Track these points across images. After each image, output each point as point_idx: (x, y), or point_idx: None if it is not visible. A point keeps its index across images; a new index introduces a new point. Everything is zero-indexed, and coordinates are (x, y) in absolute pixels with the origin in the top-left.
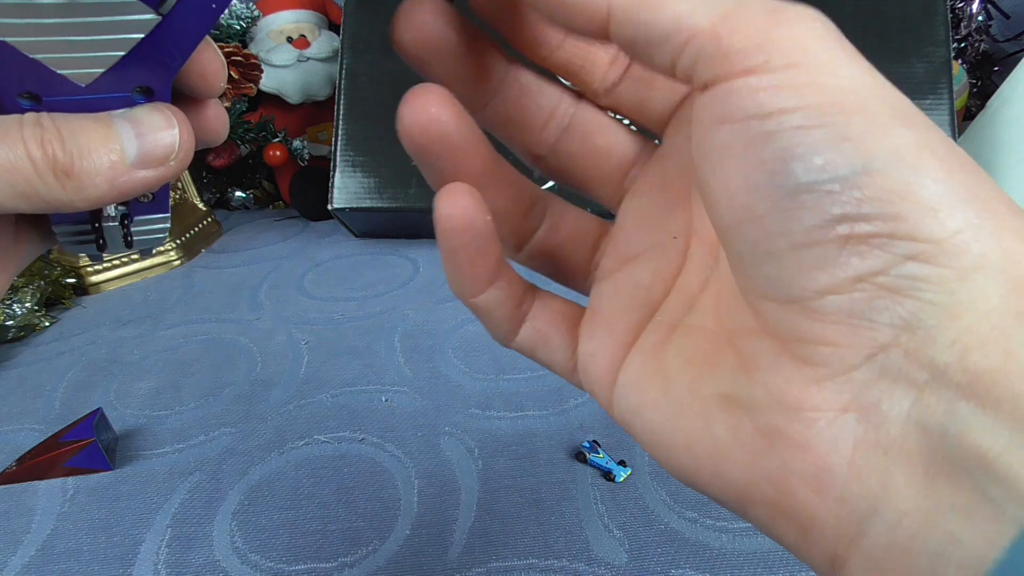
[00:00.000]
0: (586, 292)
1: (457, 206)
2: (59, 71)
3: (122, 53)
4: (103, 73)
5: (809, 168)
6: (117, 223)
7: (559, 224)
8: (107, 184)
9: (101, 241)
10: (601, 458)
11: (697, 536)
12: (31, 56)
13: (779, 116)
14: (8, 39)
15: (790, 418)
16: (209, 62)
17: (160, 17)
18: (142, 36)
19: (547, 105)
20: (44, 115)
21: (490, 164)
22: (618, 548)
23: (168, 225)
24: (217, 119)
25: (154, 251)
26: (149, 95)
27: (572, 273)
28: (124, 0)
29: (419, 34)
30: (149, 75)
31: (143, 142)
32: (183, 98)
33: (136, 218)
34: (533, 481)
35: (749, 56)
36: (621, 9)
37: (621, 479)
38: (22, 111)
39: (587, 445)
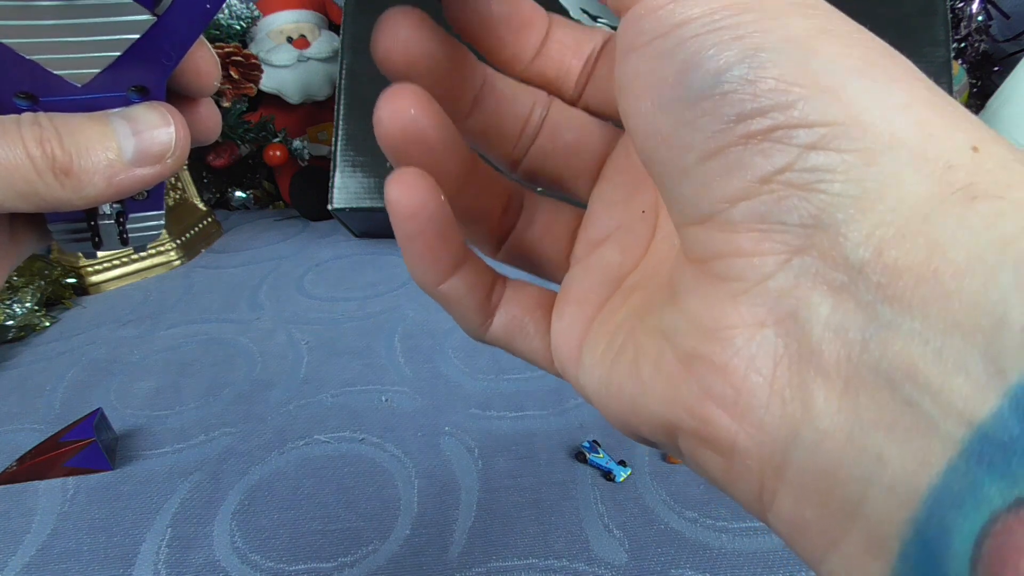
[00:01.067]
0: None
1: (407, 190)
2: (55, 72)
3: (118, 53)
4: (99, 73)
5: (705, 74)
6: (113, 221)
7: (535, 218)
8: (105, 182)
9: (97, 239)
10: (601, 458)
11: (697, 536)
12: (28, 57)
13: (678, 29)
14: (5, 40)
15: (708, 339)
16: (203, 60)
17: (155, 17)
18: (138, 36)
19: (522, 112)
20: (41, 114)
21: (469, 164)
22: (618, 548)
23: (163, 222)
24: (210, 117)
25: (147, 247)
26: (144, 94)
27: (551, 266)
28: (120, 1)
29: (401, 48)
30: (144, 74)
31: (140, 140)
32: (177, 96)
33: (131, 215)
34: (533, 481)
35: None
36: None
37: (621, 479)
38: (18, 111)
39: (587, 445)
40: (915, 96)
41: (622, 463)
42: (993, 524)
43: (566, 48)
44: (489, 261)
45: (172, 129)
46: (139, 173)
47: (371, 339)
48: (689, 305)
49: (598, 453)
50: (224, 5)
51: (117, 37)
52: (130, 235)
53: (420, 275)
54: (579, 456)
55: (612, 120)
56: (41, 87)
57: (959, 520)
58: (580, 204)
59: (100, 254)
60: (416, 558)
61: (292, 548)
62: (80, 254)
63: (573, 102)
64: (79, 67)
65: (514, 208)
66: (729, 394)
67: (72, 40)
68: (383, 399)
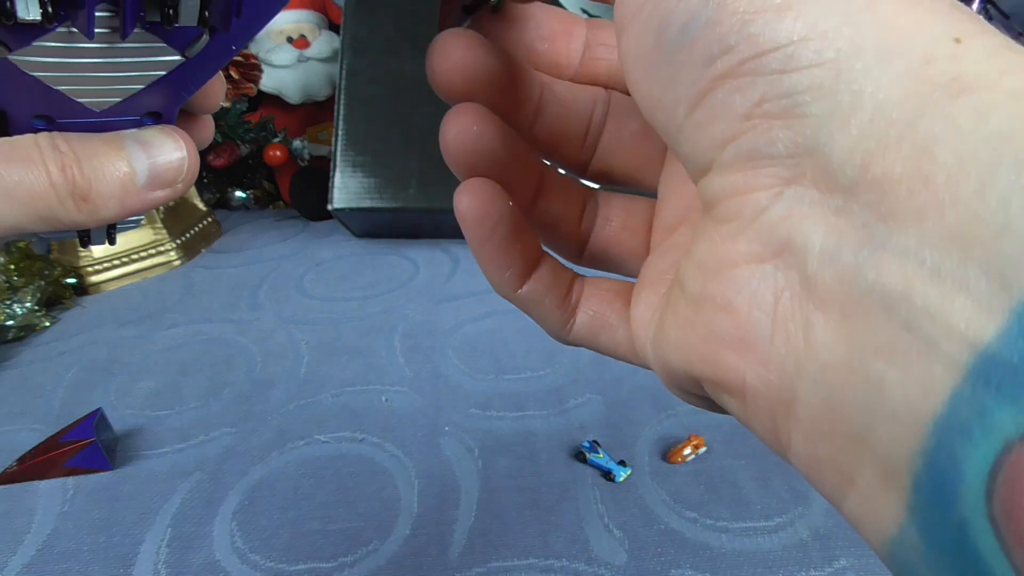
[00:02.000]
0: None
1: (474, 197)
2: (78, 99)
3: (142, 87)
4: (119, 101)
5: (675, 27)
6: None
7: (611, 216)
8: (119, 206)
9: (86, 239)
10: (601, 458)
11: (697, 536)
12: (55, 87)
13: None
14: (39, 74)
15: (711, 280)
16: (212, 84)
17: (185, 59)
18: (164, 73)
19: (585, 111)
20: (58, 136)
21: (540, 174)
22: (618, 548)
23: (143, 217)
24: (207, 129)
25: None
26: (157, 118)
27: (634, 262)
28: (155, 45)
29: (460, 72)
30: (161, 102)
31: (154, 164)
32: (179, 111)
33: None
34: (533, 481)
35: None
36: None
37: (621, 479)
38: (34, 131)
39: (587, 445)
40: None
41: (622, 463)
42: (1008, 453)
43: (612, 48)
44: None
45: (184, 154)
46: (151, 196)
47: (371, 339)
48: (697, 251)
49: (598, 453)
50: None
51: (145, 73)
52: (116, 232)
53: (496, 281)
54: (579, 456)
55: None
56: (60, 110)
57: (969, 450)
58: (655, 196)
59: (97, 254)
60: (416, 558)
61: (292, 548)
62: (83, 247)
63: (628, 94)
64: (102, 96)
65: (591, 211)
66: (734, 333)
67: (101, 75)
68: (383, 399)
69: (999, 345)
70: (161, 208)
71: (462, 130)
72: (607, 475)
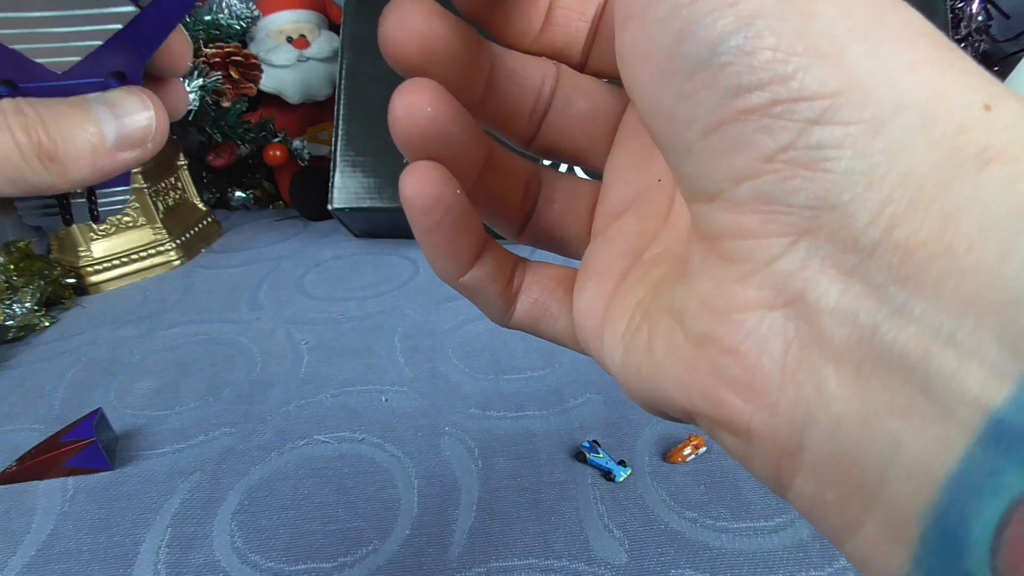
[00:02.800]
0: None
1: (422, 184)
2: (37, 60)
3: (100, 43)
4: (79, 60)
5: (700, 44)
6: (84, 199)
7: (554, 196)
8: (89, 167)
9: (68, 216)
10: (601, 458)
11: (697, 536)
12: (11, 47)
13: None
14: None
15: (718, 321)
16: (176, 43)
17: (139, 10)
18: (120, 27)
19: (534, 85)
20: (22, 101)
21: (487, 152)
22: (618, 548)
23: (129, 196)
24: (179, 96)
25: (107, 219)
26: (122, 79)
27: (575, 244)
28: None
29: (416, 41)
30: (123, 61)
31: (121, 125)
32: (148, 76)
33: (100, 191)
34: (533, 481)
35: None
36: None
37: (621, 479)
38: None
39: (587, 445)
40: (922, 54)
41: (622, 463)
42: (1013, 512)
43: (572, 13)
44: (513, 246)
45: (152, 113)
46: (121, 157)
47: (371, 339)
48: (699, 285)
49: (598, 453)
50: (224, 4)
51: (100, 27)
52: (100, 210)
53: (440, 268)
54: (579, 456)
55: (619, 82)
56: (21, 74)
57: (979, 507)
58: (599, 176)
59: (97, 254)
60: (416, 558)
61: (292, 548)
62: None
63: (580, 67)
64: (61, 55)
65: (533, 189)
66: (742, 377)
67: (57, 31)
68: (383, 399)
69: (1009, 410)
70: (161, 208)
71: (416, 110)
72: (607, 475)
